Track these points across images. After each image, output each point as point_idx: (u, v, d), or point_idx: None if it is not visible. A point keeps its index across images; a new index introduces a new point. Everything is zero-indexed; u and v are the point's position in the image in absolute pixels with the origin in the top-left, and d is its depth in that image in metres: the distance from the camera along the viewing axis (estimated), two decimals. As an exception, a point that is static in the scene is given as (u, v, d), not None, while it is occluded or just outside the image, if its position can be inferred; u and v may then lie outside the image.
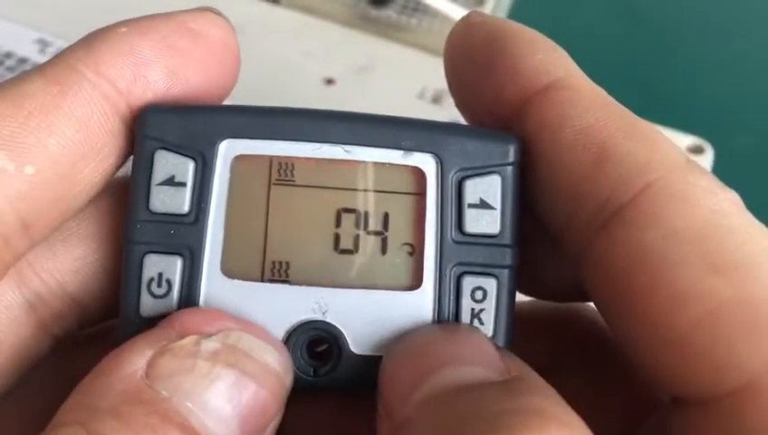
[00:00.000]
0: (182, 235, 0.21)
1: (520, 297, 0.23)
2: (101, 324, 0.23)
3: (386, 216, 0.21)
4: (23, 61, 0.56)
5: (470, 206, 0.21)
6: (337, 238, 0.21)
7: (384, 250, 0.21)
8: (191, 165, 0.21)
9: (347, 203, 0.21)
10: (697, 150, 0.53)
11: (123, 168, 0.22)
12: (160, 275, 0.21)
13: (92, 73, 0.20)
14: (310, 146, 0.21)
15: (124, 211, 0.21)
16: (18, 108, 0.19)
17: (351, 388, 0.21)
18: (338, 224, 0.21)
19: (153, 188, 0.21)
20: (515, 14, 0.64)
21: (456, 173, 0.21)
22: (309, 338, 0.21)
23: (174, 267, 0.21)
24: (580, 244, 0.20)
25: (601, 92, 0.21)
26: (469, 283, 0.21)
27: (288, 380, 0.20)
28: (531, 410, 0.17)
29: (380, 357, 0.21)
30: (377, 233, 0.21)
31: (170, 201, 0.21)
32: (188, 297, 0.21)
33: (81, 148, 0.20)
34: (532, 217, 0.22)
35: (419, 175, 0.21)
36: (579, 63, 0.22)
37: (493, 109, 0.22)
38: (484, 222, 0.21)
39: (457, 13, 0.59)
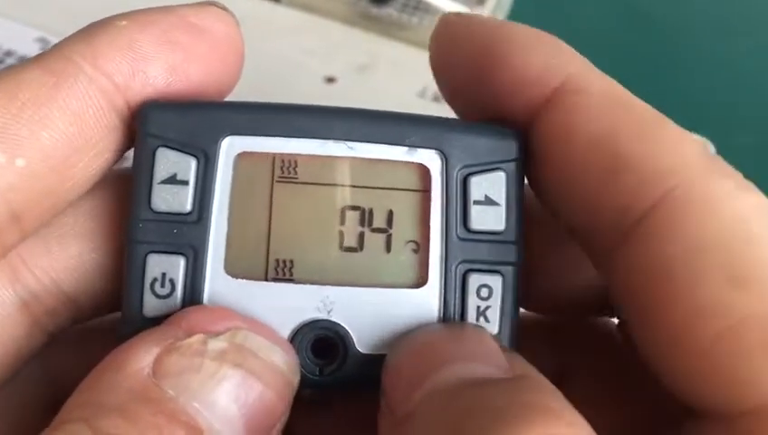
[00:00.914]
0: (185, 234, 0.21)
1: (524, 313, 0.23)
2: (87, 324, 0.23)
3: (390, 213, 0.21)
4: (23, 59, 0.55)
5: (475, 202, 0.21)
6: (341, 236, 0.21)
7: (389, 248, 0.21)
8: (193, 163, 0.21)
9: (351, 200, 0.21)
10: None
11: (120, 162, 0.22)
12: (164, 275, 0.21)
13: (90, 67, 0.20)
14: (313, 143, 0.21)
15: (122, 208, 0.21)
16: (12, 98, 0.19)
17: (357, 386, 0.21)
18: (342, 221, 0.21)
19: (155, 187, 0.21)
20: (516, 12, 0.64)
21: (460, 170, 0.21)
22: (314, 337, 0.21)
23: (177, 267, 0.21)
24: (601, 253, 0.20)
25: (611, 89, 0.20)
26: (475, 280, 0.21)
27: (295, 380, 0.20)
28: (535, 407, 0.17)
29: (385, 356, 0.20)
30: (381, 230, 0.21)
31: (173, 200, 0.21)
32: (192, 297, 0.21)
33: (75, 142, 0.20)
34: (536, 230, 0.22)
35: (424, 172, 0.21)
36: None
37: (496, 116, 0.22)
38: (490, 219, 0.21)
39: (458, 11, 0.59)
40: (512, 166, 0.21)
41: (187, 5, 0.22)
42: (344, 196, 0.21)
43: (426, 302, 0.21)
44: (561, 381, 0.24)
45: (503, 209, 0.21)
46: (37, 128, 0.19)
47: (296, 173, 0.21)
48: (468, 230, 0.21)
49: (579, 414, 0.17)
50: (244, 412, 0.18)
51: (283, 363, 0.20)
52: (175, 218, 0.21)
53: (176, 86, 0.21)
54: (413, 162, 0.21)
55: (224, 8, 0.22)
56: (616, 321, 0.24)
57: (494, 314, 0.21)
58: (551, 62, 0.21)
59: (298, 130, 0.21)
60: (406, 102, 0.50)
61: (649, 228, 0.19)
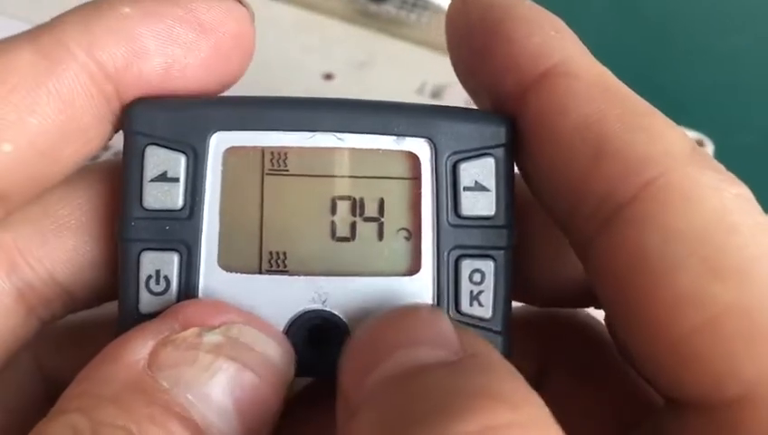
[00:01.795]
0: (177, 230, 0.21)
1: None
2: (84, 318, 0.23)
3: (381, 202, 0.21)
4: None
5: (465, 189, 0.21)
6: (333, 226, 0.21)
7: (381, 236, 0.21)
8: (183, 160, 0.21)
9: (342, 190, 0.21)
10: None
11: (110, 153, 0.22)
12: (158, 272, 0.21)
13: (84, 54, 0.19)
14: (302, 135, 0.21)
15: (117, 202, 0.21)
16: (1, 82, 0.19)
17: None
18: (333, 211, 0.21)
19: (146, 185, 0.21)
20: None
21: (449, 156, 0.21)
22: (310, 327, 0.21)
23: (171, 264, 0.21)
24: (582, 240, 0.20)
25: (602, 77, 0.20)
26: (467, 265, 0.21)
27: (290, 373, 0.20)
28: (480, 392, 0.16)
29: None
30: (373, 219, 0.21)
31: (164, 197, 0.21)
32: (187, 293, 0.21)
33: (64, 129, 0.20)
34: (524, 220, 0.22)
35: (413, 159, 0.21)
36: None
37: (493, 96, 0.22)
38: (480, 204, 0.21)
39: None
40: (500, 151, 0.21)
41: None
42: (335, 186, 0.21)
43: (419, 289, 0.21)
44: (542, 373, 0.24)
45: (492, 195, 0.21)
46: (26, 114, 0.19)
47: (286, 165, 0.21)
48: (459, 216, 0.21)
49: (532, 392, 0.17)
50: (238, 405, 0.19)
51: (278, 356, 0.20)
52: (167, 215, 0.21)
53: (171, 82, 0.21)
54: (402, 150, 0.21)
55: (240, 2, 0.21)
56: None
57: (488, 298, 0.21)
58: (548, 42, 0.20)
59: (286, 123, 0.21)
60: (404, 99, 0.49)
61: (630, 216, 0.18)
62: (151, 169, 0.21)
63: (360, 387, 0.18)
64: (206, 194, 0.21)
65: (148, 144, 0.21)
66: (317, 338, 0.21)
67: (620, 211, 0.19)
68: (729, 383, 0.17)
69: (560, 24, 0.21)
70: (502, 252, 0.21)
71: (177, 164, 0.21)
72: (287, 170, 0.21)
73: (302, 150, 0.21)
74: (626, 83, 0.20)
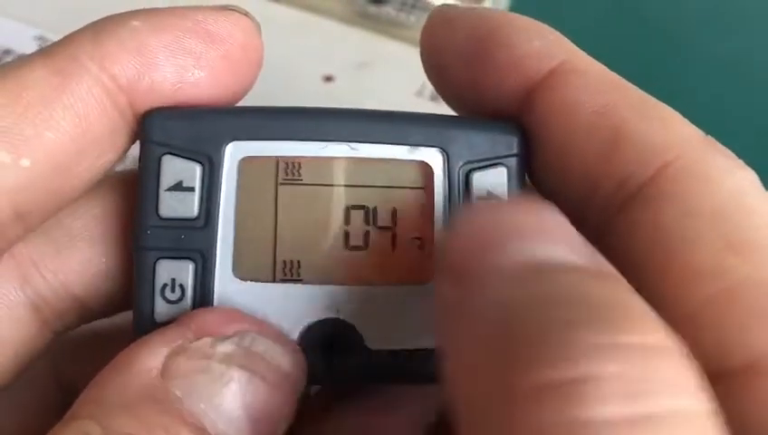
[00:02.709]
0: (192, 239, 0.21)
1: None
2: (99, 328, 0.23)
3: (394, 211, 0.21)
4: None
5: (478, 198, 0.21)
6: (347, 235, 0.21)
7: (394, 245, 0.21)
8: (198, 169, 0.21)
9: (355, 200, 0.21)
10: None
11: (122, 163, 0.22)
12: (173, 280, 0.21)
13: (96, 68, 0.20)
14: (316, 145, 0.21)
15: (130, 212, 0.21)
16: (17, 98, 0.19)
17: (368, 383, 0.22)
18: (347, 221, 0.21)
19: (162, 194, 0.21)
20: (515, 11, 0.64)
21: (462, 166, 0.21)
22: (323, 336, 0.21)
23: (186, 272, 0.21)
24: (598, 226, 0.20)
25: (608, 72, 0.21)
26: None
27: (302, 382, 0.20)
28: (636, 310, 0.15)
29: (396, 351, 0.21)
30: (386, 228, 0.21)
31: (179, 206, 0.21)
32: (202, 301, 0.21)
33: (80, 143, 0.20)
34: None
35: (426, 169, 0.21)
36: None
37: (493, 103, 0.22)
38: None
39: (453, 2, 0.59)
40: (513, 160, 0.22)
41: (206, 9, 0.21)
42: (348, 195, 0.21)
43: (433, 297, 0.21)
44: None
45: None
46: (42, 128, 0.19)
47: (300, 175, 0.21)
48: None
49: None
50: (250, 414, 0.19)
51: (291, 366, 0.20)
52: (182, 224, 0.21)
53: (181, 94, 0.21)
54: (415, 160, 0.21)
55: (245, 14, 0.22)
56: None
57: None
58: (549, 44, 0.21)
59: (300, 133, 0.21)
60: (404, 101, 0.50)
61: (648, 196, 0.19)
62: (167, 179, 0.21)
63: (482, 264, 0.16)
64: (221, 203, 0.21)
65: (165, 153, 0.21)
66: (330, 347, 0.21)
67: (639, 192, 0.19)
68: (735, 354, 0.18)
69: (554, 31, 0.22)
70: None
71: (193, 173, 0.21)
72: (301, 180, 0.21)
73: (315, 160, 0.21)
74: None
